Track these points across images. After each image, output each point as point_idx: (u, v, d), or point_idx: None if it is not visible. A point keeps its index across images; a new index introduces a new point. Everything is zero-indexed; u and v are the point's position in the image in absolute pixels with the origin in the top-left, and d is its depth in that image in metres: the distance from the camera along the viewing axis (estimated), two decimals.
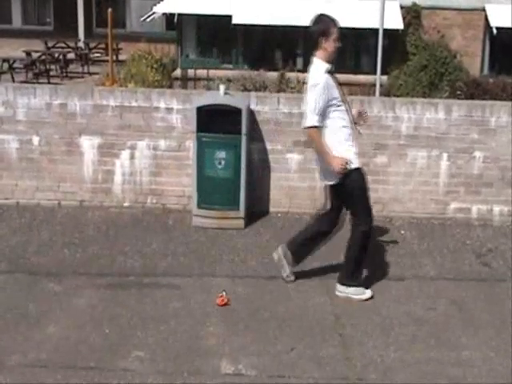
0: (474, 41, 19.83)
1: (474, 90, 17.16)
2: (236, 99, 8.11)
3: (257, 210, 8.32)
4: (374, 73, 15.46)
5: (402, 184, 8.40)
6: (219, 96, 8.04)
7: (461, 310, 6.18)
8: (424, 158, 8.35)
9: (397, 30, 17.99)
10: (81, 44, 25.25)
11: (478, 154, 8.33)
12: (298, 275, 6.67)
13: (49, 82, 19.04)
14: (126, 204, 8.49)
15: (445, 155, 8.35)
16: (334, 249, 7.40)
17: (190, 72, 19.31)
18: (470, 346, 5.56)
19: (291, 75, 17.09)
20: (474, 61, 19.63)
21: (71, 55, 23.37)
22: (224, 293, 6.18)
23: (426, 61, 17.63)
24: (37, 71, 20.88)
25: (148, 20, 20.14)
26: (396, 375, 5.15)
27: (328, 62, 6.15)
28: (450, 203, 8.43)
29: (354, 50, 19.99)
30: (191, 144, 8.04)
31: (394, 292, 6.50)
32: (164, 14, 19.92)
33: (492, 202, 8.43)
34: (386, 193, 8.41)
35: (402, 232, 8.03)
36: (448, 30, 19.58)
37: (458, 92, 16.94)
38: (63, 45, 24.97)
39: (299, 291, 6.42)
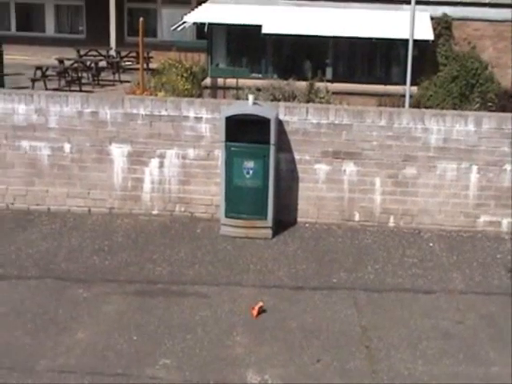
0: (506, 52, 19.64)
1: (506, 102, 17.01)
2: (264, 109, 8.13)
3: (284, 219, 8.32)
4: (404, 83, 15.40)
5: (431, 196, 8.35)
6: (248, 106, 8.07)
7: (490, 324, 6.12)
8: (453, 171, 8.29)
9: (427, 41, 17.88)
10: (112, 52, 25.46)
11: (508, 166, 8.25)
12: (326, 287, 6.66)
13: (80, 90, 19.23)
14: (154, 212, 8.55)
15: (475, 168, 8.29)
16: (362, 261, 7.40)
17: (220, 81, 19.39)
18: (498, 361, 5.51)
19: (320, 85, 17.08)
20: (506, 72, 19.44)
21: (103, 63, 23.57)
22: (261, 303, 6.19)
23: (456, 72, 17.51)
24: (69, 79, 21.09)
25: (179, 29, 20.25)
26: None
27: None
28: (480, 216, 8.36)
29: (385, 60, 19.92)
30: (220, 153, 8.08)
31: (422, 305, 6.46)
32: (194, 23, 20.04)
33: None
34: (415, 205, 8.36)
35: (431, 244, 7.98)
36: (479, 41, 19.44)
37: (490, 104, 16.80)
38: (95, 53, 25.20)
39: (327, 302, 6.41)
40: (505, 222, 8.37)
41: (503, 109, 15.77)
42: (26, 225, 8.13)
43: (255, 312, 6.09)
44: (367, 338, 5.81)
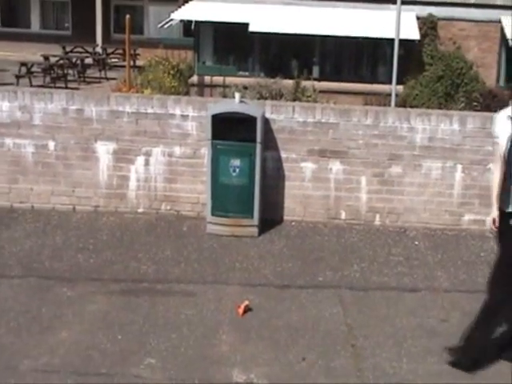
0: (490, 52, 19.77)
1: (490, 101, 17.11)
2: (251, 107, 8.13)
3: (271, 218, 8.31)
4: (390, 83, 15.47)
5: (417, 195, 8.37)
6: (234, 104, 8.06)
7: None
8: (438, 169, 8.32)
9: (413, 41, 17.97)
10: (98, 49, 25.37)
11: (492, 166, 8.29)
12: (312, 285, 6.67)
13: (66, 87, 19.16)
14: (140, 210, 8.52)
15: (459, 167, 8.32)
16: (348, 260, 7.41)
17: (207, 79, 19.37)
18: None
19: (307, 83, 17.10)
20: (490, 72, 19.56)
21: (89, 60, 23.48)
22: (247, 302, 6.18)
23: (442, 71, 17.60)
24: (54, 75, 21.00)
25: (166, 26, 20.22)
26: None
27: None
28: (465, 215, 8.39)
29: (371, 59, 19.97)
30: (206, 151, 8.06)
31: (407, 303, 6.47)
32: (181, 20, 20.00)
33: None
34: (401, 203, 8.39)
35: (416, 243, 8.00)
36: (464, 41, 19.55)
37: (474, 103, 16.90)
38: (81, 50, 25.10)
39: (312, 301, 6.41)
40: (489, 220, 8.39)
41: (488, 108, 15.86)
42: (10, 223, 8.08)
43: (241, 311, 6.08)
44: (353, 336, 5.82)
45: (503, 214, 5.23)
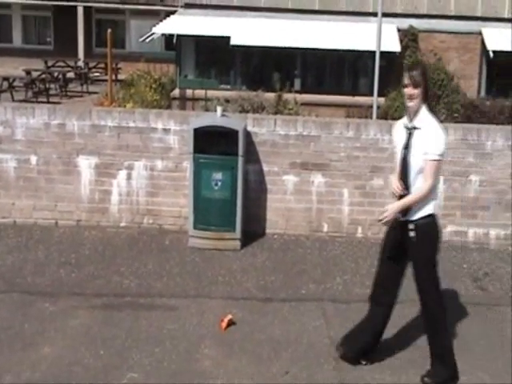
0: (471, 64, 19.96)
1: (471, 113, 17.27)
2: (233, 121, 8.15)
3: (253, 231, 8.32)
4: (372, 95, 15.55)
5: None
6: (216, 118, 8.08)
7: (456, 334, 6.16)
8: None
9: (394, 53, 18.11)
10: (80, 63, 25.38)
11: (473, 177, 8.36)
12: (295, 298, 6.67)
13: (48, 101, 19.12)
14: (122, 224, 8.50)
15: (441, 178, 8.36)
16: (331, 272, 7.42)
17: (189, 92, 19.40)
18: (465, 370, 5.54)
19: (289, 96, 17.16)
20: (471, 84, 19.75)
21: (71, 74, 23.49)
22: (230, 316, 6.17)
23: None
24: (36, 90, 20.98)
25: (147, 40, 20.25)
26: None
27: None
28: (447, 226, 8.44)
29: (352, 71, 20.09)
30: (188, 165, 8.07)
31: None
32: (163, 34, 20.04)
33: (488, 226, 8.44)
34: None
35: None
36: (445, 52, 19.73)
37: (455, 114, 17.03)
38: (63, 64, 25.10)
39: (295, 314, 6.42)
40: (471, 231, 8.47)
41: (469, 119, 16.00)
42: None
43: (224, 324, 6.07)
44: (335, 349, 5.82)
45: (400, 223, 5.29)
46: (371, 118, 15.28)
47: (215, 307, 6.46)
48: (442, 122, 14.04)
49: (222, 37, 18.45)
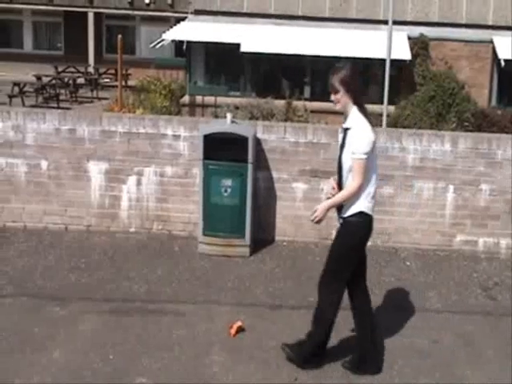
0: (482, 72, 19.90)
1: (482, 122, 17.22)
2: (242, 128, 8.16)
3: (262, 238, 8.32)
4: (381, 103, 15.54)
5: (408, 215, 8.41)
6: (226, 124, 8.10)
7: (466, 343, 6.15)
8: (430, 190, 8.36)
9: (404, 61, 18.10)
10: (91, 69, 25.47)
11: (484, 186, 8.34)
12: (304, 305, 6.67)
13: (58, 107, 19.21)
14: (132, 229, 8.52)
15: (451, 187, 8.36)
16: None
17: (198, 99, 19.44)
18: (474, 380, 5.54)
19: (298, 103, 17.18)
20: (482, 92, 19.70)
21: (81, 80, 23.57)
22: (240, 322, 6.17)
23: (433, 91, 17.70)
24: (47, 95, 21.08)
25: (157, 46, 20.31)
26: None
27: None
28: (457, 235, 8.42)
29: (362, 79, 20.10)
30: (198, 171, 8.08)
31: (398, 324, 6.47)
32: (173, 40, 20.10)
33: (499, 235, 8.42)
34: (392, 223, 8.42)
35: (408, 263, 8.02)
36: (455, 61, 19.69)
37: (466, 123, 16.99)
38: (73, 70, 25.20)
39: (304, 321, 6.39)
40: (481, 241, 8.44)
41: (479, 128, 15.96)
42: (2, 242, 8.07)
43: (233, 331, 6.07)
44: (344, 356, 5.80)
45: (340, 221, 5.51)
46: (381, 126, 15.27)
47: (224, 313, 6.47)
48: (452, 130, 13.98)
49: (232, 43, 18.48)
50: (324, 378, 5.46)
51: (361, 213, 5.39)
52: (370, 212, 5.45)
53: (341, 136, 5.51)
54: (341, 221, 5.48)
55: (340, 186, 5.45)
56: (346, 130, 5.44)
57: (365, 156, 5.29)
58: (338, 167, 5.49)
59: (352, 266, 5.50)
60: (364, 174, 5.31)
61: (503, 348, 6.10)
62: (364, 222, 5.44)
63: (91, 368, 5.45)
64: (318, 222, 5.46)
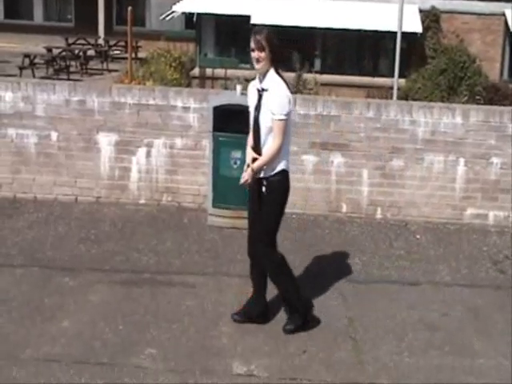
0: (494, 46, 19.74)
1: (494, 95, 17.10)
2: None
3: None
4: (392, 76, 15.43)
5: (418, 188, 8.37)
6: (236, 96, 8.04)
7: (476, 316, 6.15)
8: (441, 163, 8.32)
9: (415, 34, 17.95)
10: (101, 41, 25.34)
11: (495, 159, 8.28)
12: (313, 277, 6.67)
13: (68, 78, 19.14)
14: (141, 201, 8.52)
15: (462, 160, 8.31)
16: (349, 253, 7.41)
17: (208, 71, 19.36)
18: (484, 353, 5.54)
19: (309, 76, 17.08)
20: (494, 66, 19.54)
21: (91, 52, 23.46)
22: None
23: (444, 65, 17.57)
24: (57, 67, 21.01)
25: (167, 18, 20.21)
26: (409, 381, 5.13)
27: None
28: (467, 209, 8.39)
29: (373, 52, 19.95)
30: (207, 143, 8.06)
31: (408, 297, 6.48)
32: (183, 13, 19.98)
33: (509, 209, 8.37)
34: (402, 197, 8.39)
35: (418, 237, 8.00)
36: (467, 34, 19.51)
37: (477, 97, 16.88)
38: (83, 41, 25.07)
39: (313, 294, 6.41)
40: (491, 214, 8.41)
41: (491, 102, 15.84)
42: (12, 213, 8.09)
43: None
44: (353, 329, 5.82)
45: (256, 180, 5.57)
46: (391, 99, 15.18)
47: (233, 285, 6.48)
48: (463, 103, 13.89)
49: (243, 15, 18.36)
50: (333, 351, 5.47)
51: (283, 171, 5.53)
52: (288, 169, 5.60)
53: (255, 97, 5.51)
54: (264, 182, 5.55)
55: (257, 148, 5.51)
56: (262, 90, 5.44)
57: (285, 117, 5.35)
58: (255, 129, 5.53)
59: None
60: (284, 134, 5.39)
61: None
62: (286, 178, 5.60)
63: (101, 338, 5.48)
64: (247, 186, 5.58)
